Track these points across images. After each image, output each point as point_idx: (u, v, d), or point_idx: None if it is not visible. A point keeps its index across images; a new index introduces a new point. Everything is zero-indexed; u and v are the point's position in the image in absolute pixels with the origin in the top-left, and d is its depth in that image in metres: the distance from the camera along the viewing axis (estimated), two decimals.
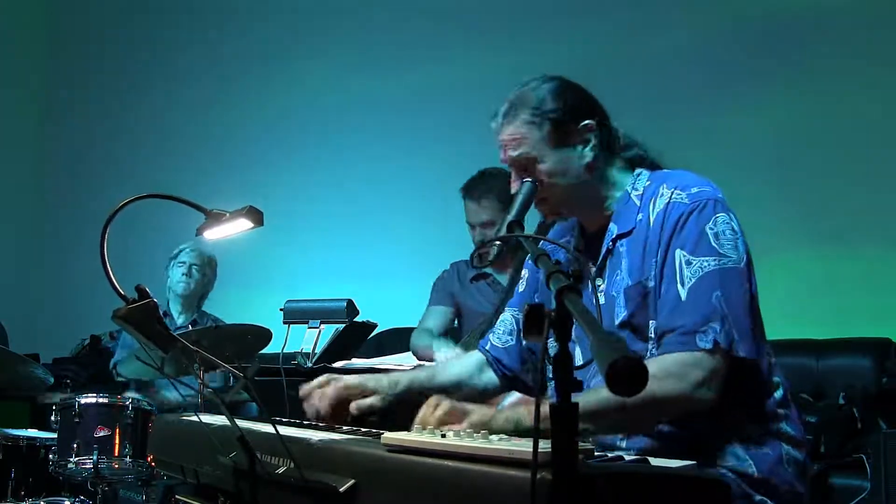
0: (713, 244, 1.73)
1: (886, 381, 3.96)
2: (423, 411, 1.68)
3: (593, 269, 1.90)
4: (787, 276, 4.37)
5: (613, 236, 1.87)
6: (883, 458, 3.32)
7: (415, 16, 5.81)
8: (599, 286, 1.88)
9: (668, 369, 1.66)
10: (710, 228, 1.74)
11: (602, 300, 1.87)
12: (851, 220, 4.50)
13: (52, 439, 3.34)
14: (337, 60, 6.05)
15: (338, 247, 5.84)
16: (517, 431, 1.62)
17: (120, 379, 4.26)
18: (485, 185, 3.54)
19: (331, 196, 5.93)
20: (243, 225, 2.17)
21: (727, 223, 1.76)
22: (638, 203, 1.86)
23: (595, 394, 1.61)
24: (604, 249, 1.88)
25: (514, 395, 2.84)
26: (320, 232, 5.96)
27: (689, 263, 1.73)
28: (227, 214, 2.11)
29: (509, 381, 2.12)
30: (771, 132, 4.66)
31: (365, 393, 1.95)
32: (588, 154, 1.88)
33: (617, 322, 1.82)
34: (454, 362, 2.19)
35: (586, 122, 1.88)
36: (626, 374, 1.00)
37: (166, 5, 6.89)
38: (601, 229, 1.92)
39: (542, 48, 5.19)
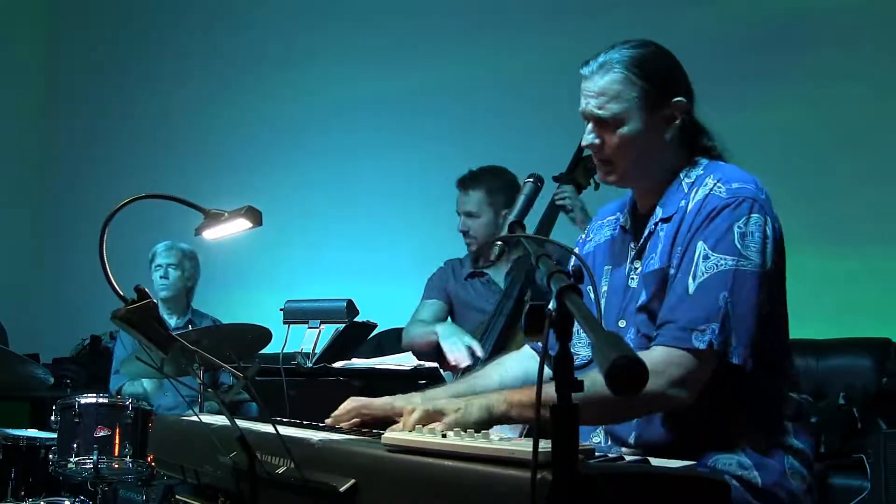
0: (736, 243, 1.68)
1: (886, 381, 3.96)
2: (402, 420, 1.62)
3: (634, 251, 1.87)
4: (788, 275, 4.34)
5: (657, 220, 1.82)
6: (883, 458, 3.32)
7: (415, 16, 5.80)
8: (637, 269, 1.84)
9: (650, 365, 1.62)
10: (739, 227, 1.69)
11: (635, 283, 1.83)
12: (852, 220, 4.50)
13: (52, 439, 3.33)
14: (336, 60, 6.04)
15: (337, 247, 5.84)
16: (491, 418, 1.60)
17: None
18: (473, 178, 3.72)
19: (330, 195, 5.92)
20: (242, 225, 2.16)
21: (759, 225, 1.70)
22: (686, 190, 1.81)
23: None
24: (646, 232, 1.84)
25: None
26: (320, 232, 5.96)
27: (706, 258, 1.68)
28: (226, 214, 2.11)
29: None
30: (773, 131, 4.64)
31: (394, 419, 1.77)
32: (670, 131, 1.81)
33: (637, 305, 1.79)
34: (494, 368, 2.06)
35: (680, 98, 1.81)
36: (627, 373, 1.00)
37: (166, 5, 6.89)
38: (651, 210, 1.86)
39: (544, 48, 5.19)
